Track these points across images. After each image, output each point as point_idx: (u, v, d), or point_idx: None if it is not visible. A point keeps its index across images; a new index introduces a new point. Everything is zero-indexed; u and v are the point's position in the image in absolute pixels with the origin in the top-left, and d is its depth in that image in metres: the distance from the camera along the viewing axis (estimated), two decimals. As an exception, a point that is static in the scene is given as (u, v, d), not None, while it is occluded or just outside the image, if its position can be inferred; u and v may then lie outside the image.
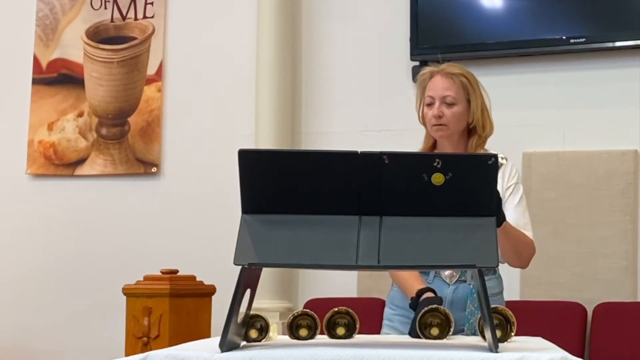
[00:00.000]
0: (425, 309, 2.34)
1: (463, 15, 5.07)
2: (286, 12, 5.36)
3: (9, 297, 5.78)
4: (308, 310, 2.37)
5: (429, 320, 2.30)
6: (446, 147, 3.03)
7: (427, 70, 3.06)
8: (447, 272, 2.95)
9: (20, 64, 5.91)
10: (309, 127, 5.39)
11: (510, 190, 3.01)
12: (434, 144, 3.06)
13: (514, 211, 2.98)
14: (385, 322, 3.06)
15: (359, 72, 5.33)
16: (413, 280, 2.87)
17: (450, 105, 2.98)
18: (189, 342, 2.41)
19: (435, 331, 2.27)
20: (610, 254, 4.73)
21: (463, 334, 2.67)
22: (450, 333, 2.31)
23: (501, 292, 3.06)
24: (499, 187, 2.90)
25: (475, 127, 3.02)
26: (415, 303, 2.74)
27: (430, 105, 3.00)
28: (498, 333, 2.18)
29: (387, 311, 3.08)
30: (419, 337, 2.33)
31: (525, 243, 2.95)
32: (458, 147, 3.02)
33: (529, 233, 2.99)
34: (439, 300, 2.70)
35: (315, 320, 2.32)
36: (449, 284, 2.94)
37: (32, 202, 5.83)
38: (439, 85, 2.99)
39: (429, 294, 2.76)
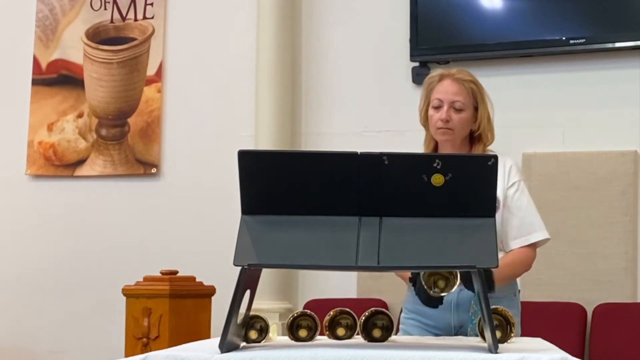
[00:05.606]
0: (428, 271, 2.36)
1: (463, 16, 5.06)
2: (286, 13, 5.35)
3: (9, 297, 5.78)
4: (308, 310, 2.37)
5: (431, 279, 2.31)
6: (448, 151, 3.03)
7: (437, 72, 3.07)
8: None
9: (20, 64, 5.91)
10: (308, 128, 5.39)
11: (513, 189, 3.00)
12: (436, 147, 3.07)
13: (515, 216, 2.97)
14: (400, 326, 3.06)
15: (359, 73, 5.33)
16: None
17: (458, 110, 2.98)
18: (188, 342, 2.41)
19: (441, 284, 2.29)
20: (610, 255, 4.73)
21: (467, 335, 2.67)
22: (457, 285, 2.31)
23: (514, 294, 3.04)
24: (499, 188, 2.91)
25: (480, 135, 3.04)
26: (415, 275, 2.73)
27: (437, 108, 3.00)
28: (498, 334, 2.18)
29: (402, 315, 3.08)
30: (428, 298, 2.33)
31: (520, 266, 2.96)
32: (460, 152, 3.02)
33: (536, 235, 2.98)
34: None
35: (316, 320, 2.32)
36: None
37: (32, 202, 5.83)
38: (449, 90, 3.00)
39: None
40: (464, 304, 2.87)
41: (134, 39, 5.74)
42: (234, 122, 5.48)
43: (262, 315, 2.28)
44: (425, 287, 2.34)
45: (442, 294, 2.35)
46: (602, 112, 4.88)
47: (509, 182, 3.01)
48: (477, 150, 3.03)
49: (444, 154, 2.95)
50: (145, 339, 4.53)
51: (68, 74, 5.83)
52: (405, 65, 5.20)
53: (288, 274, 5.21)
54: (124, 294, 4.66)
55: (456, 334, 2.90)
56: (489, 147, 3.07)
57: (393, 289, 4.88)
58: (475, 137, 3.05)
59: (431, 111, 3.02)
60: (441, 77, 3.04)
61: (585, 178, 4.81)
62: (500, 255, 2.89)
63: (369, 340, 2.31)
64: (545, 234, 3.01)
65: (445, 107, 2.98)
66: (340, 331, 2.34)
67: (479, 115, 3.02)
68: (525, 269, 3.00)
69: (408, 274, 2.82)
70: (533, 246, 3.00)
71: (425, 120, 3.07)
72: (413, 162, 2.09)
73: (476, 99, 3.02)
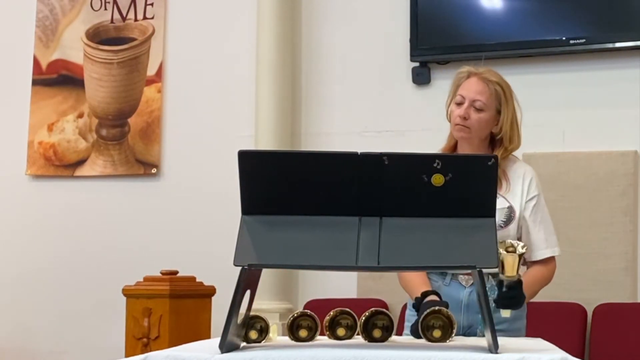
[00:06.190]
0: (429, 310, 2.32)
1: (463, 16, 5.06)
2: (286, 13, 5.36)
3: (9, 297, 5.78)
4: (308, 310, 2.37)
5: (431, 322, 2.29)
6: (466, 149, 3.01)
7: (465, 69, 3.05)
8: (464, 275, 2.95)
9: (20, 64, 5.91)
10: (308, 128, 5.39)
11: (533, 202, 3.00)
12: (455, 145, 3.05)
13: (537, 233, 3.00)
14: (406, 323, 3.05)
15: (359, 73, 5.33)
16: (420, 285, 2.86)
17: (478, 110, 2.96)
18: (188, 342, 2.41)
19: (437, 333, 2.26)
20: (610, 255, 4.73)
21: (477, 336, 2.67)
22: (453, 335, 2.30)
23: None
24: (517, 201, 2.91)
25: (502, 138, 3.02)
26: (418, 304, 2.72)
27: (459, 104, 2.98)
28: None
29: (407, 313, 3.07)
30: (421, 338, 2.32)
31: (545, 281, 3.04)
32: (477, 152, 3.01)
33: (552, 250, 3.04)
34: (443, 303, 2.64)
35: (316, 321, 2.32)
36: (465, 287, 2.93)
37: (32, 203, 5.83)
38: (473, 88, 2.98)
39: (434, 297, 2.73)
40: (474, 305, 2.86)
41: (134, 39, 5.74)
42: (234, 122, 5.48)
43: (262, 315, 2.28)
44: (420, 327, 2.30)
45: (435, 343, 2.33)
46: (602, 112, 4.88)
47: (528, 195, 2.99)
48: (499, 153, 3.00)
49: (444, 154, 2.95)
50: (145, 339, 4.53)
51: (68, 74, 5.83)
52: (405, 65, 5.20)
53: (288, 274, 5.21)
54: (124, 294, 4.66)
55: (464, 335, 2.89)
56: (515, 152, 3.07)
57: (393, 289, 4.87)
58: (497, 140, 3.03)
59: (453, 107, 3.00)
60: (469, 75, 3.02)
61: (585, 178, 4.81)
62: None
63: (369, 341, 2.31)
64: (559, 249, 3.08)
65: (465, 104, 2.96)
66: (341, 331, 2.34)
67: (501, 118, 3.00)
68: (548, 281, 3.07)
69: (416, 293, 2.81)
70: (554, 259, 3.07)
71: (450, 116, 3.05)
72: (413, 162, 2.09)
73: (500, 102, 2.99)
